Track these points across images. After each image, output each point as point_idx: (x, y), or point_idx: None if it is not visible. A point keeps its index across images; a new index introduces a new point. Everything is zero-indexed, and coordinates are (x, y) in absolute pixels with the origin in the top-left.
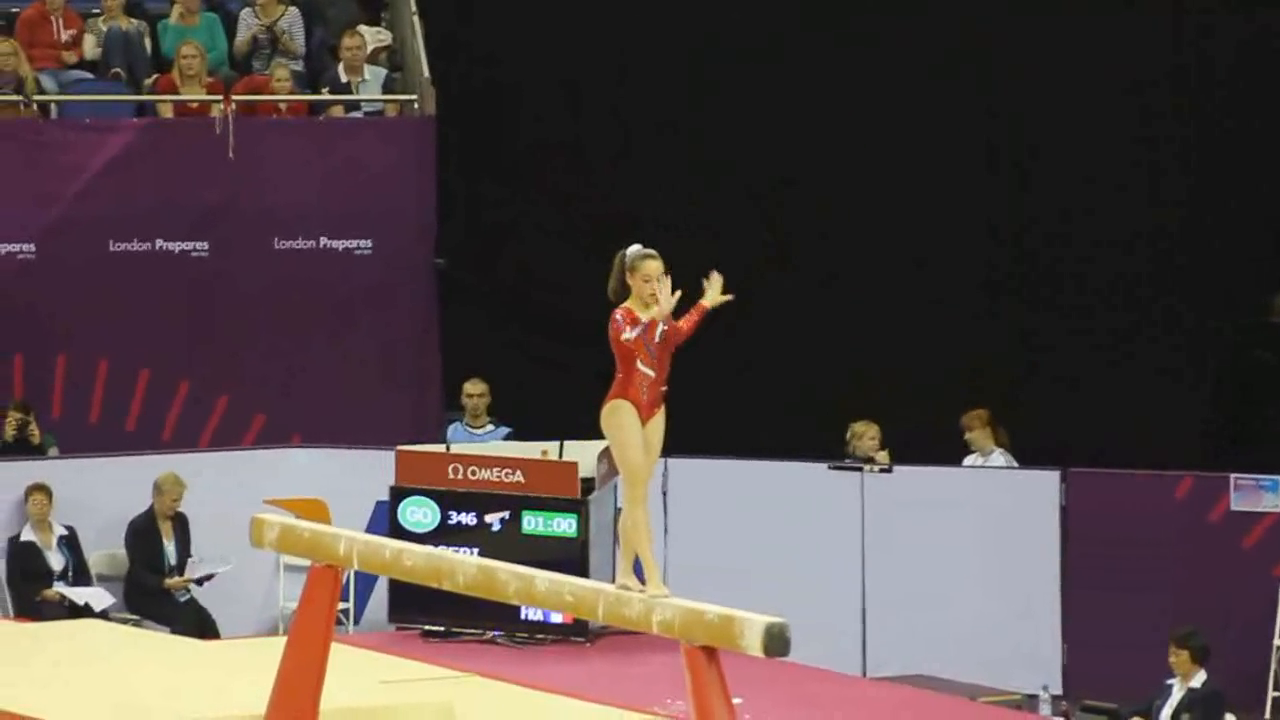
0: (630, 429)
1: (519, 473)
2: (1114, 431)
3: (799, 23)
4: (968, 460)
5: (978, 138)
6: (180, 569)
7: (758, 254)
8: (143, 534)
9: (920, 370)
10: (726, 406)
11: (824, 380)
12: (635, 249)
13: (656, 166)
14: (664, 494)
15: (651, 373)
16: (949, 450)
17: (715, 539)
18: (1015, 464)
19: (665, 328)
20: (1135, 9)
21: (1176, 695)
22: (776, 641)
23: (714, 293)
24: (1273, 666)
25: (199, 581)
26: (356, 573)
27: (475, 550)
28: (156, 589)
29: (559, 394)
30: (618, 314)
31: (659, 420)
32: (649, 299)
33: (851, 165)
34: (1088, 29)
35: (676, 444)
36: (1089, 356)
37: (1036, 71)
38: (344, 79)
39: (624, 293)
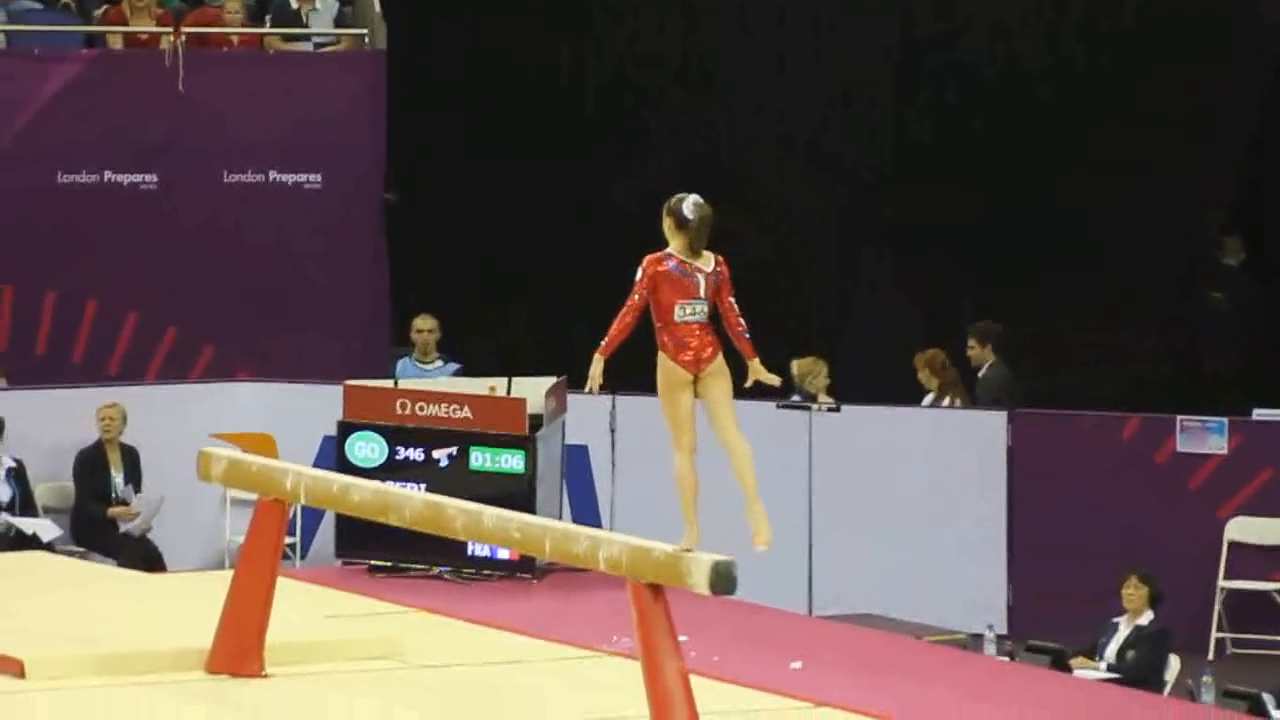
0: None
1: (466, 409)
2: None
3: None
4: (926, 401)
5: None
6: (127, 502)
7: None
8: (90, 463)
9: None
10: None
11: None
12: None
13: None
14: (612, 431)
15: None
16: (905, 391)
17: (662, 476)
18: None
19: None
20: None
21: (1123, 632)
22: (723, 579)
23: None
24: (1216, 608)
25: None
26: (303, 507)
27: (422, 486)
28: (102, 520)
29: (508, 331)
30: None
31: None
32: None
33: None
34: None
35: (626, 381)
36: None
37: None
38: (295, 4)
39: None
